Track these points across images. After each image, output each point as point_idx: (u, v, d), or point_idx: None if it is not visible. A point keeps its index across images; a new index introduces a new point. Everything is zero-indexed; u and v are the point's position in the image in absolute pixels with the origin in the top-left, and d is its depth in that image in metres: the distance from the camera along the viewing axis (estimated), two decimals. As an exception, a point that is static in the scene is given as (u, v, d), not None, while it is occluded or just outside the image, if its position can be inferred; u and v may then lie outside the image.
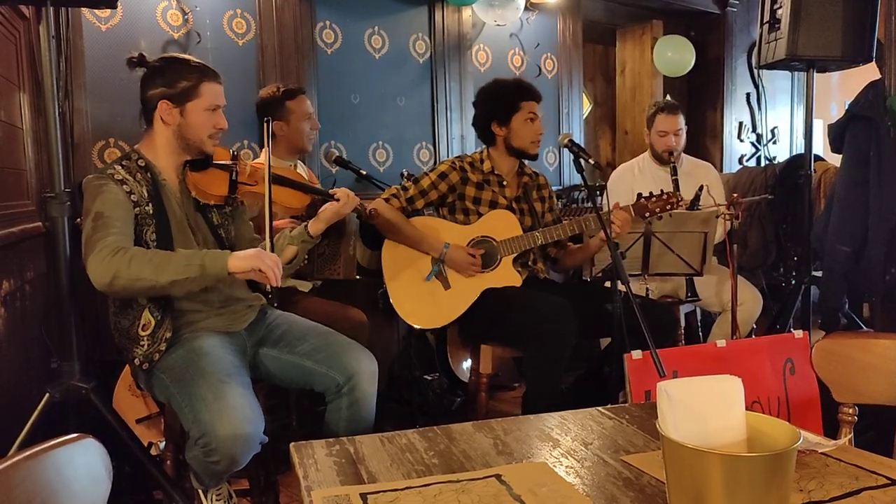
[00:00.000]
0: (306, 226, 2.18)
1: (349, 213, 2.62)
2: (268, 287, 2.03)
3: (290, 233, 2.20)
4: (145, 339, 1.90)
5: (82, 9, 2.76)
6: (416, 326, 2.73)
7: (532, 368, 2.48)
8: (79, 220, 2.02)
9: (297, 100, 2.90)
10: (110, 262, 1.75)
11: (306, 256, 2.65)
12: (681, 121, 3.42)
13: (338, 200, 2.19)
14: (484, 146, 2.85)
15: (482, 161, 2.79)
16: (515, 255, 2.67)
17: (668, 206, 2.58)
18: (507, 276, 2.65)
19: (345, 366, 1.98)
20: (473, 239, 2.69)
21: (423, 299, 2.65)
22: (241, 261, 1.83)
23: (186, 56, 2.08)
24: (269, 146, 2.07)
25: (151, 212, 1.93)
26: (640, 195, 2.61)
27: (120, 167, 1.94)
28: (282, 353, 2.06)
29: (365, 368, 2.00)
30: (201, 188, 2.04)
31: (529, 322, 2.41)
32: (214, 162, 2.07)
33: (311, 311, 2.46)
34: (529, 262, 2.79)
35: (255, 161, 2.45)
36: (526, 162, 2.88)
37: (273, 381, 2.13)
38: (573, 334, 2.40)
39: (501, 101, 2.75)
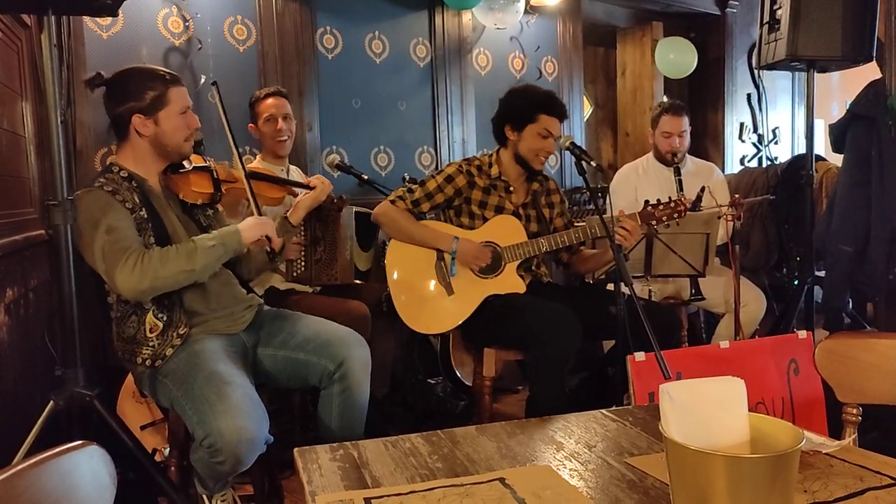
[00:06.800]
0: (286, 216, 2.35)
1: (347, 218, 2.66)
2: (268, 248, 2.14)
3: None
4: (154, 339, 1.93)
5: (84, 17, 2.78)
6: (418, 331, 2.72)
7: (535, 373, 2.48)
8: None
9: (262, 103, 2.91)
10: (143, 269, 1.83)
11: (303, 263, 2.70)
12: (685, 122, 3.41)
13: (313, 188, 2.42)
14: (496, 148, 2.82)
15: (490, 165, 2.76)
16: (519, 261, 2.66)
17: (676, 215, 2.57)
18: (510, 282, 2.64)
19: (335, 353, 2.02)
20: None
21: (426, 304, 2.64)
22: (250, 231, 2.03)
23: (143, 65, 2.16)
24: (234, 144, 2.20)
25: (146, 216, 1.96)
26: (647, 202, 2.60)
27: (104, 180, 1.96)
28: (277, 350, 2.10)
29: (356, 355, 2.03)
30: (189, 188, 2.09)
31: (532, 327, 2.40)
32: (194, 165, 2.14)
33: (313, 307, 2.47)
34: (533, 267, 2.78)
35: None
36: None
37: (272, 382, 2.16)
38: (576, 339, 2.39)
39: (521, 107, 2.70)
